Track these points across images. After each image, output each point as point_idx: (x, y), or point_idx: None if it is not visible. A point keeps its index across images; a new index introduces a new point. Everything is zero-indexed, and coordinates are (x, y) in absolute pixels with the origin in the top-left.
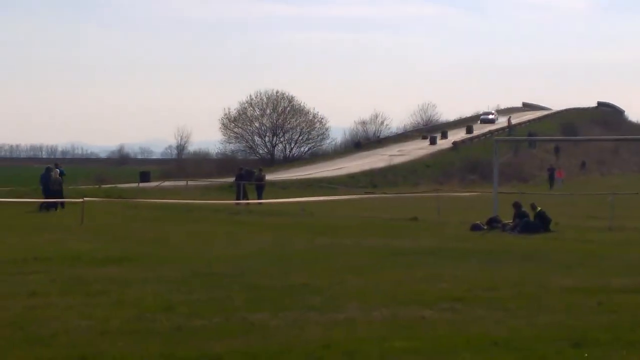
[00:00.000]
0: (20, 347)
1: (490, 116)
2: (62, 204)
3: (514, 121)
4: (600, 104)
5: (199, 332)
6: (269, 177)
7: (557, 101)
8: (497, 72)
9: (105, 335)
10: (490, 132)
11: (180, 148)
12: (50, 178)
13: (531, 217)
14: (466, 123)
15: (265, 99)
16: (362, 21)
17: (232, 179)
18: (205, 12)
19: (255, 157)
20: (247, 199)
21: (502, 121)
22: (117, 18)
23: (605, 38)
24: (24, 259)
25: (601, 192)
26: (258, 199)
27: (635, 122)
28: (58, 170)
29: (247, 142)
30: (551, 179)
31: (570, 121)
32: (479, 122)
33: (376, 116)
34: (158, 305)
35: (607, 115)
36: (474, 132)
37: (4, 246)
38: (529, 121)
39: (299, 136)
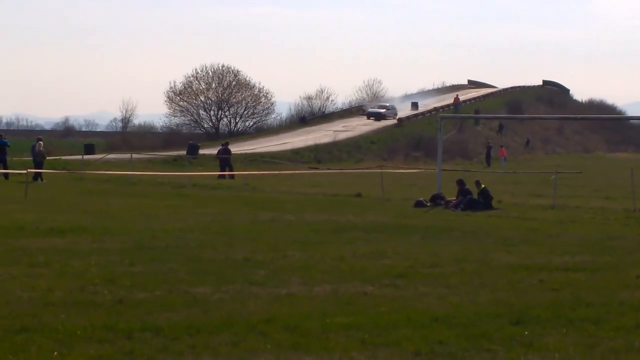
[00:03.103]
0: None
1: (382, 110)
2: (6, 175)
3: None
4: (545, 82)
5: (141, 305)
6: (211, 151)
7: (503, 80)
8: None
9: (48, 307)
10: (436, 109)
11: (125, 121)
12: (34, 150)
13: (475, 194)
14: (410, 99)
15: (210, 73)
16: None
17: (177, 153)
18: None
19: (200, 131)
20: (232, 172)
21: (345, 124)
22: None
23: (552, 17)
24: None
25: (545, 170)
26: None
27: (580, 101)
28: (41, 142)
29: (192, 115)
30: (488, 156)
31: (516, 99)
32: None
33: (322, 91)
34: (101, 277)
35: (552, 94)
36: (419, 108)
37: None
38: (474, 99)
39: (244, 110)
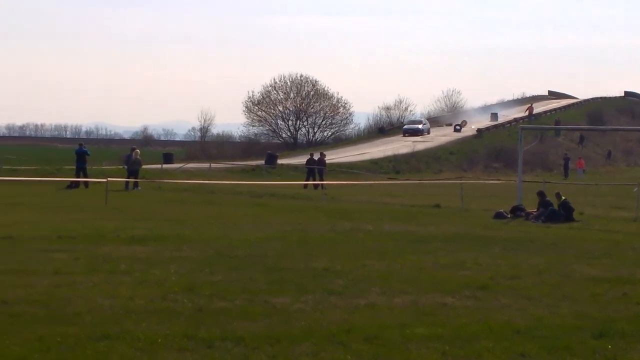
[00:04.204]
0: (44, 325)
1: (420, 126)
2: (86, 184)
3: (538, 109)
4: (627, 93)
5: (222, 314)
6: (292, 161)
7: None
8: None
9: (129, 315)
10: (515, 120)
11: (204, 130)
12: (131, 158)
13: (555, 206)
14: (490, 110)
15: (289, 83)
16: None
17: (256, 162)
18: None
19: (279, 141)
20: (321, 181)
21: (434, 134)
22: None
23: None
24: (48, 236)
25: (627, 182)
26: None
27: None
28: (138, 151)
29: (270, 125)
30: (566, 167)
31: (597, 110)
32: (402, 133)
33: (400, 102)
34: (181, 285)
35: (634, 105)
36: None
37: (28, 224)
38: (554, 109)
39: (322, 120)
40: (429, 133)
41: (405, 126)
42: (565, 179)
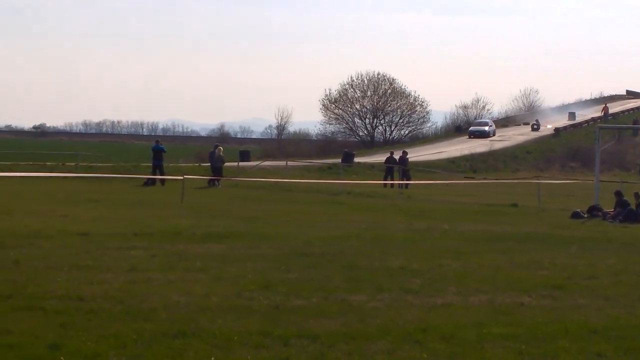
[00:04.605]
0: (120, 321)
1: (486, 128)
2: (163, 181)
3: (615, 109)
4: None
5: (297, 311)
6: (369, 159)
7: None
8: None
9: (205, 312)
10: (593, 119)
11: (281, 128)
12: (214, 155)
13: (633, 206)
14: (568, 109)
15: (366, 81)
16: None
17: (332, 160)
18: None
19: (355, 139)
20: (407, 180)
21: (502, 134)
22: None
23: None
24: (124, 233)
25: None
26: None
27: None
28: (221, 148)
29: (347, 123)
30: None
31: None
32: (467, 135)
33: (477, 100)
34: (257, 283)
35: None
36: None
37: (105, 221)
38: (632, 109)
39: (400, 119)
40: (494, 135)
41: (471, 128)
42: None
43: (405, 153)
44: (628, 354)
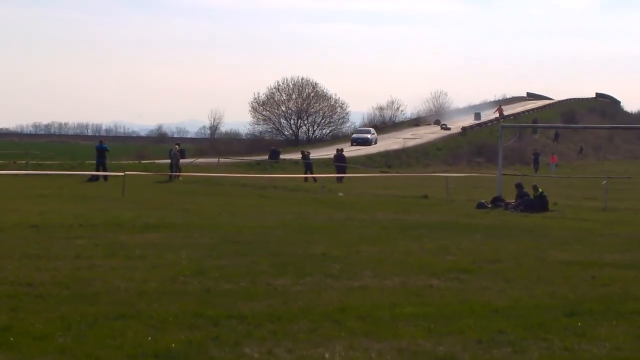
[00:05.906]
0: (66, 304)
1: (368, 135)
2: (106, 177)
3: (517, 110)
4: (598, 95)
5: (227, 295)
6: (293, 156)
7: (559, 92)
8: (502, 63)
9: (143, 296)
10: (497, 119)
11: (214, 128)
12: (170, 153)
13: (532, 197)
14: (474, 110)
15: (291, 85)
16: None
17: (260, 157)
18: (236, 2)
19: (282, 138)
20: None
21: (414, 133)
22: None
23: (604, 33)
24: (70, 225)
25: (597, 175)
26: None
27: (630, 112)
28: (177, 146)
29: (274, 124)
30: (536, 162)
31: (571, 110)
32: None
33: (392, 102)
34: (191, 269)
35: (604, 105)
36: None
37: (53, 213)
38: (532, 109)
39: (322, 119)
40: (376, 142)
41: (354, 135)
42: (535, 173)
43: (340, 150)
44: (527, 330)
